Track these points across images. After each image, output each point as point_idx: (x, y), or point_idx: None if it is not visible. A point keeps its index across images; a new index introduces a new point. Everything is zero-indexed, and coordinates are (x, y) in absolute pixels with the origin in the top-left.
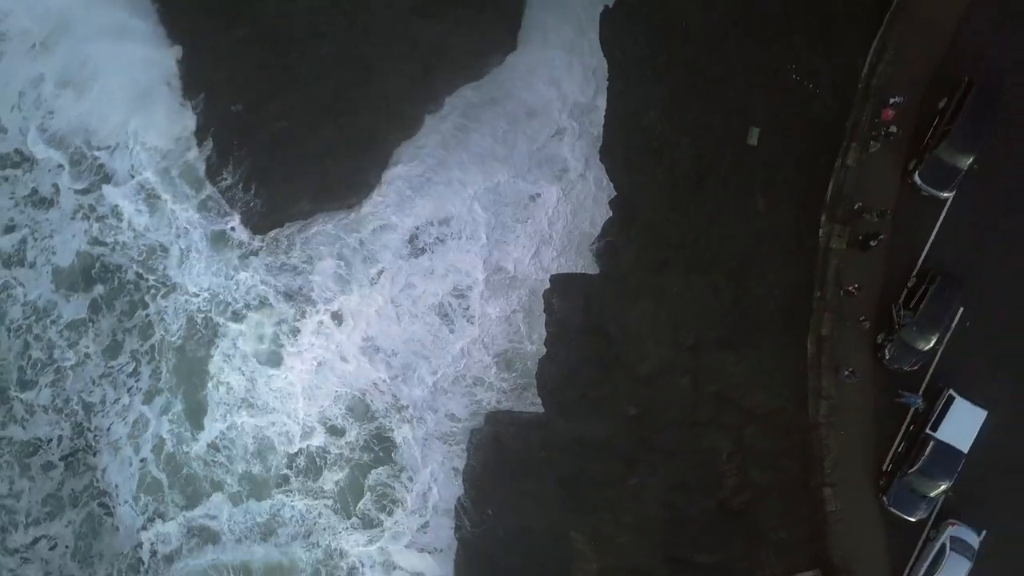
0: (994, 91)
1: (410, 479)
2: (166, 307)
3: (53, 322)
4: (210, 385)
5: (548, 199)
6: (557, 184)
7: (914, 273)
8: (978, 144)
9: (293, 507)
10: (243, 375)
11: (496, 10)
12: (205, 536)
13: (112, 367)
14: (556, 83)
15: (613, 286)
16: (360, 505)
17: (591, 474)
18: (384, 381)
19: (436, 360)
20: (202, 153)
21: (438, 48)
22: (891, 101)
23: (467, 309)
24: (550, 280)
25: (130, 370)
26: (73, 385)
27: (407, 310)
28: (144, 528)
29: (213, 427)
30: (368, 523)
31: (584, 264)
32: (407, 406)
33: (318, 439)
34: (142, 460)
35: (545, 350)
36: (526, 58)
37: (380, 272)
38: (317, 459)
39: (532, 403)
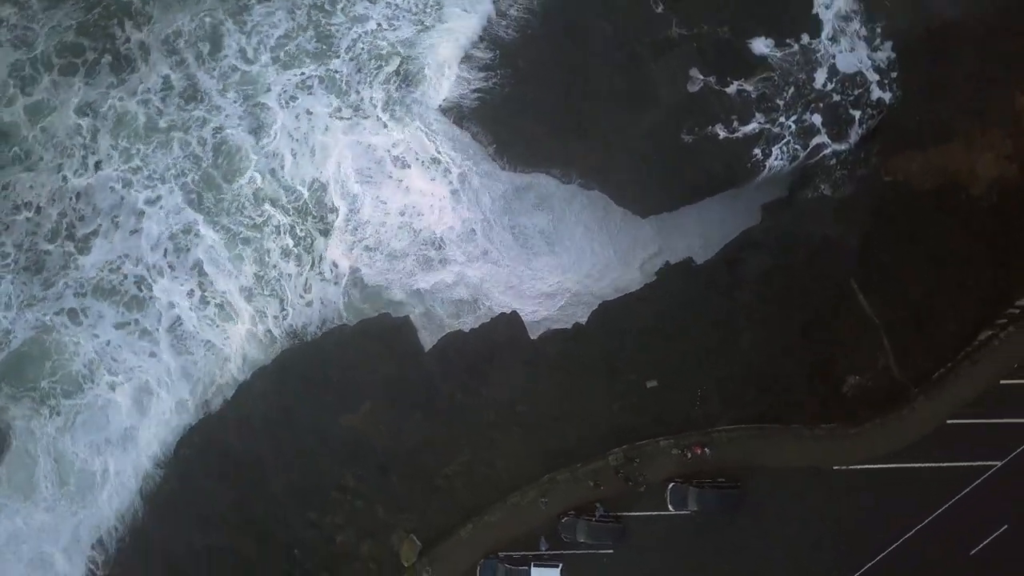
0: (741, 498)
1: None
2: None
3: None
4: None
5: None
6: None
7: (617, 514)
8: (705, 508)
9: None
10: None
11: (660, 196)
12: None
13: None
14: (628, 258)
15: (523, 358)
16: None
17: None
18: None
19: None
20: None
21: (605, 164)
22: (706, 448)
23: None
24: (512, 310)
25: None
26: None
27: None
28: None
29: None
30: None
31: (533, 330)
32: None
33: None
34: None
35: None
36: (643, 231)
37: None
38: None
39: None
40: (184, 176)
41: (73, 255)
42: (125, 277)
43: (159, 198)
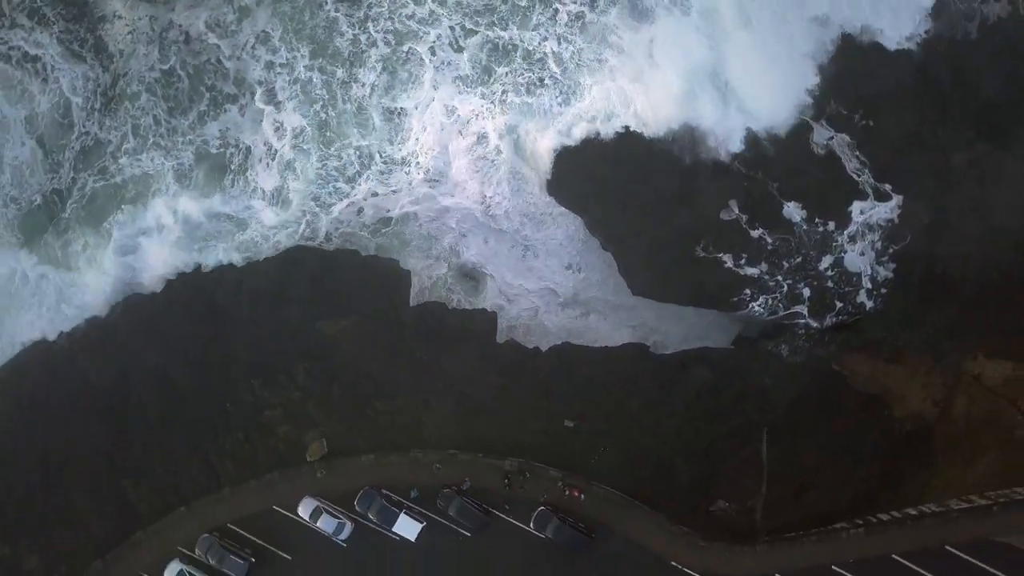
0: (590, 547)
1: None
2: None
3: None
4: None
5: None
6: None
7: (488, 507)
8: (557, 540)
9: None
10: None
11: (656, 286)
12: None
13: None
14: (603, 316)
15: (484, 353)
16: None
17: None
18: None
19: None
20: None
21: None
22: (583, 494)
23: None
24: (493, 312)
25: None
26: None
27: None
28: None
29: None
30: None
31: (502, 335)
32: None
33: None
34: None
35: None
36: (627, 303)
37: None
38: None
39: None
40: (314, 72)
41: (205, 110)
42: (236, 148)
43: (291, 99)
